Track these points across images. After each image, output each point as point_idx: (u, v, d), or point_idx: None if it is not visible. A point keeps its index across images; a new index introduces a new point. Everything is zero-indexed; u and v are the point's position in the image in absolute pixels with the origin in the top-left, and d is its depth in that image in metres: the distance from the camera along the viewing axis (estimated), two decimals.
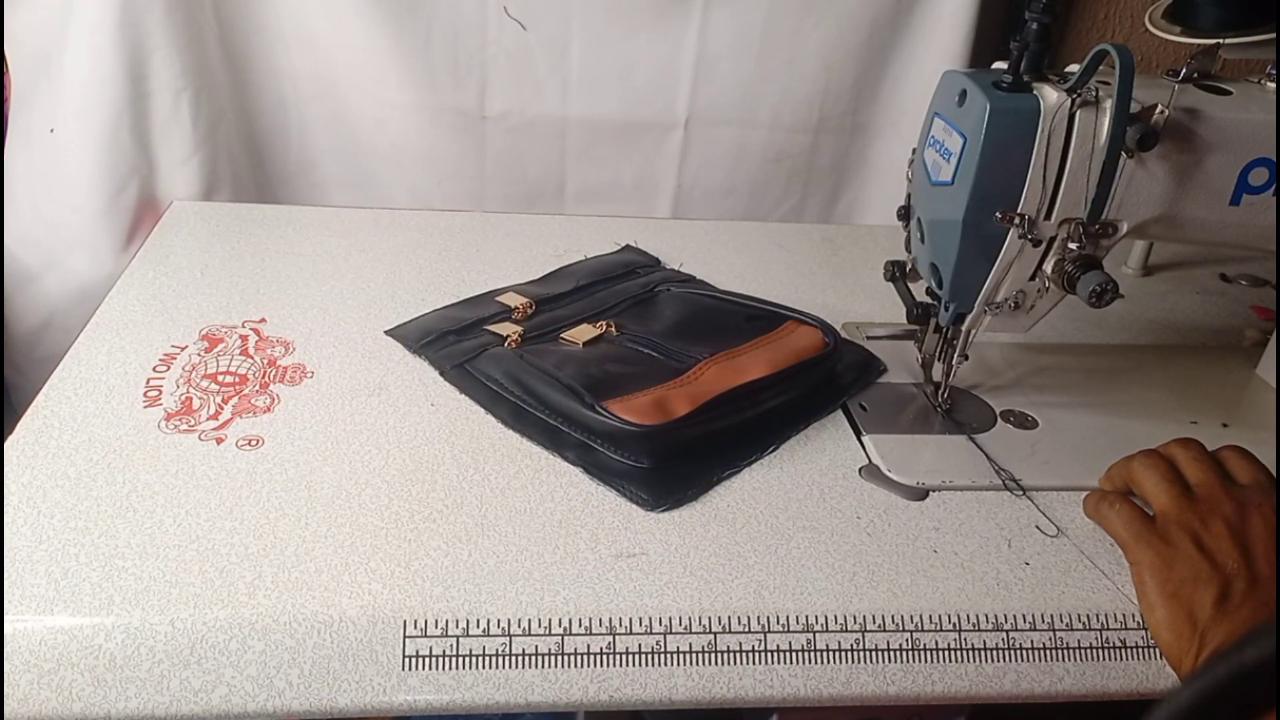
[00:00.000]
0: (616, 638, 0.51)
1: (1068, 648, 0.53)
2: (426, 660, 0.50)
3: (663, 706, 0.51)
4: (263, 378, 0.68)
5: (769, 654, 0.52)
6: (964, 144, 0.57)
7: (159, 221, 0.90)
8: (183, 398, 0.65)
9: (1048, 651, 0.53)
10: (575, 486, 0.60)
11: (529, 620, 0.51)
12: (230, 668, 0.49)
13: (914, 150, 0.65)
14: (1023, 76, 0.56)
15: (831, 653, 0.52)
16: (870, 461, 0.64)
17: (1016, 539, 0.58)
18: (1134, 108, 0.55)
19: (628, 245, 0.90)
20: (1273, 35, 0.60)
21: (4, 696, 0.47)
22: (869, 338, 0.78)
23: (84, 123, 0.89)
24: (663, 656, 0.51)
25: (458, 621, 0.50)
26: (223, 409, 0.64)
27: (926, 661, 0.52)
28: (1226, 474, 0.58)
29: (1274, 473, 0.57)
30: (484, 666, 0.50)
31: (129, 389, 0.66)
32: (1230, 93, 0.59)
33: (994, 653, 0.53)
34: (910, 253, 0.68)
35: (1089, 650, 0.53)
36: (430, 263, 0.86)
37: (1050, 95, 0.56)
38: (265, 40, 0.96)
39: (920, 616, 0.53)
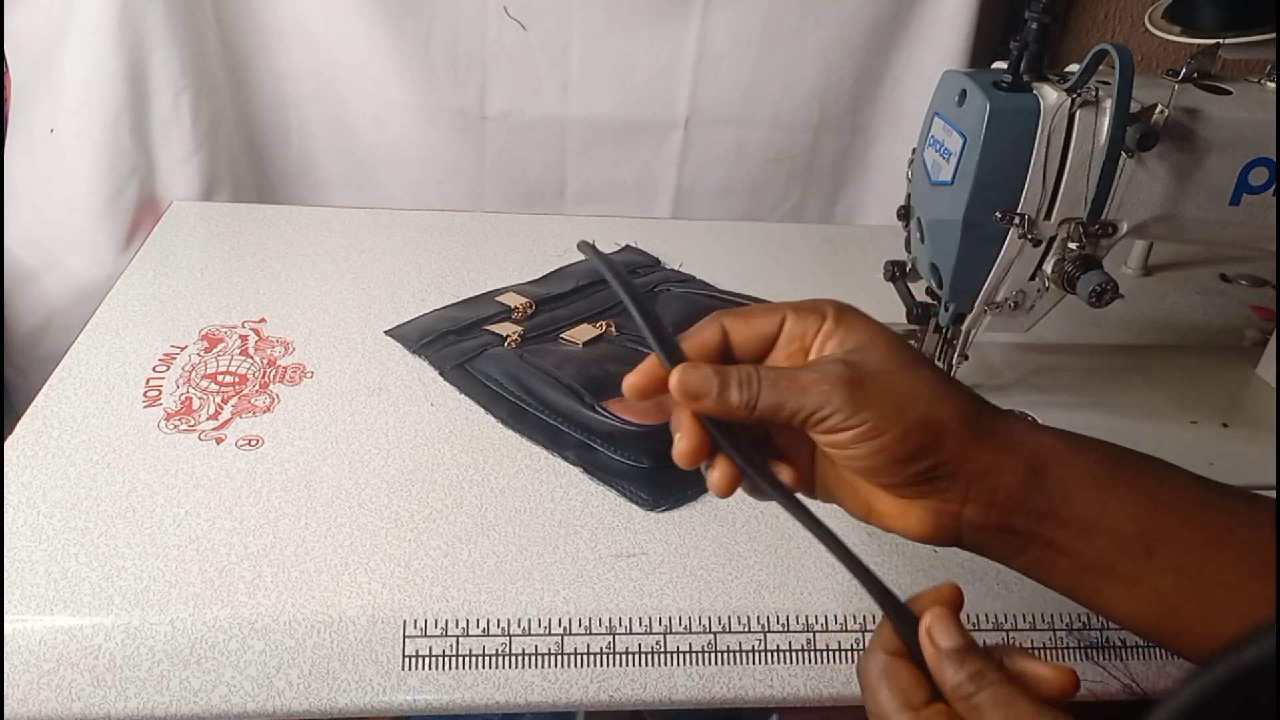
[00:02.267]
0: (616, 638, 0.51)
1: (1067, 648, 0.53)
2: (426, 660, 0.50)
3: (663, 706, 0.51)
4: (262, 378, 0.68)
5: (769, 654, 0.52)
6: (964, 144, 0.57)
7: (159, 221, 0.90)
8: (183, 398, 0.65)
9: (1047, 651, 0.53)
10: (575, 486, 0.60)
11: (529, 620, 0.51)
12: (230, 668, 0.49)
13: (914, 150, 0.65)
14: (1023, 76, 0.56)
15: (831, 653, 0.52)
16: None
17: None
18: (1134, 108, 0.55)
19: (628, 245, 0.90)
20: (1273, 35, 0.60)
21: (4, 696, 0.47)
22: None
23: (84, 123, 0.89)
24: (663, 656, 0.51)
25: (458, 621, 0.50)
26: (222, 409, 0.64)
27: None
28: None
29: None
30: (484, 666, 0.50)
31: (129, 389, 0.66)
32: (1230, 93, 0.59)
33: None
34: (910, 253, 0.68)
35: (1089, 650, 0.53)
36: (430, 263, 0.86)
37: (1050, 95, 0.56)
38: (265, 40, 0.96)
39: None
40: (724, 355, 0.39)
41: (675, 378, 0.37)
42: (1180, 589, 0.37)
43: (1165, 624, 0.38)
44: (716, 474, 0.38)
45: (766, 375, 0.37)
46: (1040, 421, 0.68)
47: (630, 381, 0.38)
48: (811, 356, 0.39)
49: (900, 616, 0.36)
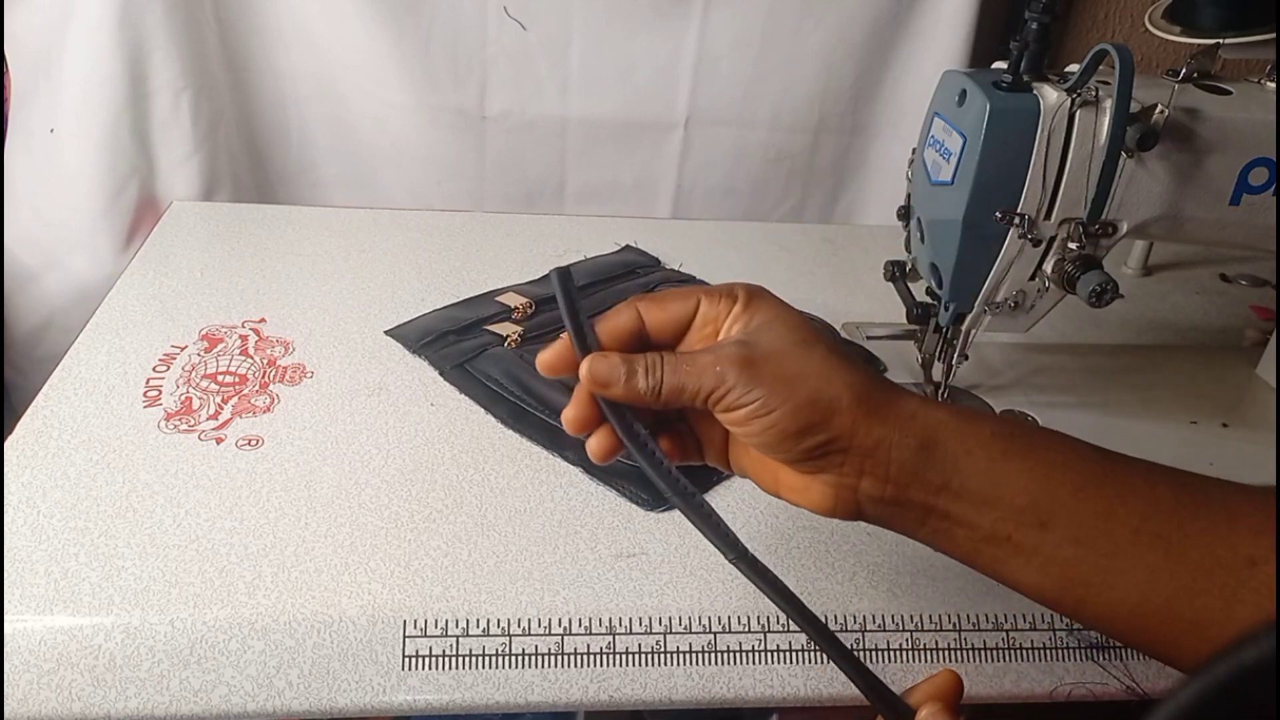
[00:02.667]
0: (616, 638, 0.51)
1: (1067, 648, 0.53)
2: (426, 660, 0.50)
3: (663, 706, 0.51)
4: (263, 378, 0.68)
5: (769, 654, 0.52)
6: (964, 144, 0.57)
7: (159, 221, 0.90)
8: (183, 398, 0.65)
9: (1048, 651, 0.53)
10: (575, 486, 0.60)
11: (529, 620, 0.51)
12: (230, 668, 0.49)
13: (914, 150, 0.65)
14: (1023, 76, 0.56)
15: None
16: None
17: None
18: (1134, 108, 0.55)
19: (628, 245, 0.90)
20: (1273, 35, 0.60)
21: (4, 696, 0.47)
22: (869, 338, 0.78)
23: (84, 123, 0.89)
24: (663, 656, 0.51)
25: (458, 621, 0.50)
26: (222, 409, 0.64)
27: (926, 661, 0.52)
28: None
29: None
30: (484, 666, 0.50)
31: (129, 389, 0.66)
32: (1230, 93, 0.59)
33: (994, 653, 0.53)
34: (910, 253, 0.68)
35: (1089, 650, 0.53)
36: (430, 263, 0.86)
37: (1050, 95, 0.56)
38: (265, 40, 0.96)
39: (920, 616, 0.53)
40: (639, 339, 0.41)
41: (585, 367, 0.39)
42: (1077, 559, 0.37)
43: (1067, 595, 0.38)
44: (594, 442, 0.41)
45: (669, 360, 0.39)
46: (1038, 419, 0.68)
47: (542, 358, 0.40)
48: (720, 339, 0.40)
49: (893, 712, 0.36)
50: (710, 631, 0.52)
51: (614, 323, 0.40)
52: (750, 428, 0.38)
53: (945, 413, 0.39)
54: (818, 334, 0.40)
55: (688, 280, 0.84)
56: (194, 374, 0.68)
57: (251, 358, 0.70)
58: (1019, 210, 0.57)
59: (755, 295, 0.41)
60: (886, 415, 0.38)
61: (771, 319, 0.40)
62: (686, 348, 0.41)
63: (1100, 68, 0.55)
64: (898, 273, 0.70)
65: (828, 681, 0.52)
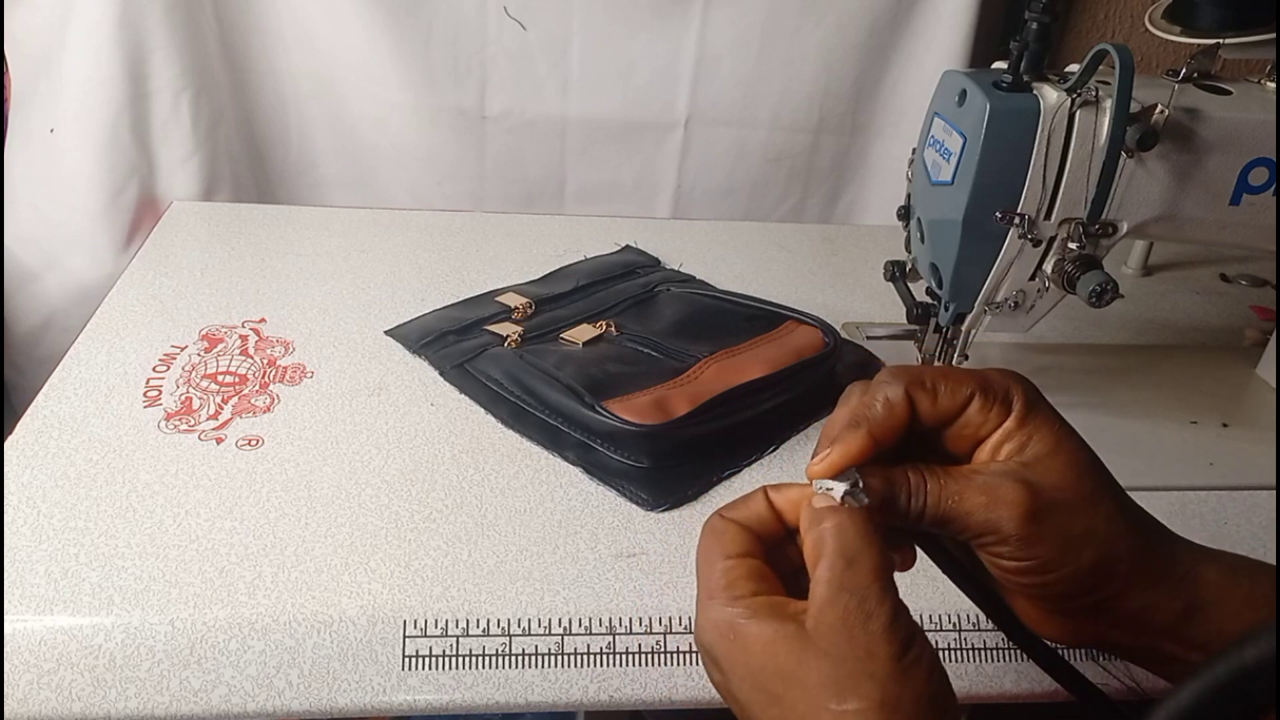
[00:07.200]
0: (616, 638, 0.51)
1: (1068, 648, 0.53)
2: (426, 660, 0.50)
3: (663, 706, 0.51)
4: (262, 378, 0.68)
5: None
6: (964, 144, 0.57)
7: (159, 221, 0.90)
8: (183, 398, 0.65)
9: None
10: (575, 486, 0.60)
11: (529, 620, 0.51)
12: (230, 668, 0.49)
13: (914, 150, 0.65)
14: (1023, 76, 0.56)
15: None
16: None
17: None
18: (1134, 108, 0.55)
19: (628, 245, 0.90)
20: (1273, 35, 0.60)
21: (4, 696, 0.47)
22: (869, 338, 0.78)
23: (84, 123, 0.89)
24: (663, 656, 0.51)
25: (458, 621, 0.50)
26: (222, 409, 0.64)
27: None
28: None
29: None
30: (484, 666, 0.50)
31: (129, 389, 0.66)
32: (1230, 93, 0.59)
33: (994, 652, 0.53)
34: (910, 253, 0.68)
35: (1090, 650, 0.53)
36: (430, 263, 0.86)
37: (1050, 95, 0.56)
38: (265, 40, 0.97)
39: (920, 616, 0.53)
40: (906, 429, 0.37)
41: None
42: None
43: None
44: None
45: (933, 484, 0.36)
46: None
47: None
48: (985, 455, 0.37)
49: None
50: None
51: (882, 414, 0.36)
52: (1021, 580, 0.36)
53: (1215, 570, 0.36)
54: (1103, 474, 0.36)
55: (688, 280, 0.84)
56: (194, 374, 0.68)
57: (251, 358, 0.70)
58: (1019, 210, 0.57)
59: (1033, 408, 0.36)
60: (1159, 578, 0.36)
61: (1052, 450, 0.36)
62: (945, 442, 0.38)
63: (1100, 68, 0.55)
64: (898, 273, 0.70)
65: None
